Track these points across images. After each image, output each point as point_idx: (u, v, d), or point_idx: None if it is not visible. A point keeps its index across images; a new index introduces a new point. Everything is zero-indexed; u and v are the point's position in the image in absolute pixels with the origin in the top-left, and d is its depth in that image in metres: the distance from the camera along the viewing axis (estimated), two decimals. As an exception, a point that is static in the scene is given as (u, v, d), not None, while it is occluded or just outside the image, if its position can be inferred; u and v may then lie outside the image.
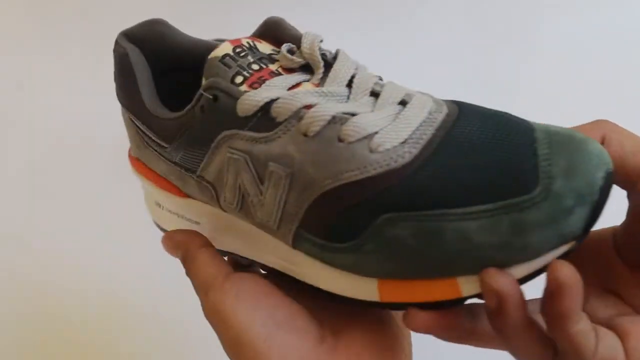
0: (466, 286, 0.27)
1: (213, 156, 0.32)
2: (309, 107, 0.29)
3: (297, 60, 0.31)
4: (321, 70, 0.31)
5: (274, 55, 0.33)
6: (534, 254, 0.26)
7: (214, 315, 0.31)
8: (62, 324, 0.51)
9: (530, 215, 0.25)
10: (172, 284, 0.47)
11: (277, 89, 0.30)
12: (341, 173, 0.28)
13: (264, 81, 0.31)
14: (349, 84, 0.30)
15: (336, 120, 0.28)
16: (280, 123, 0.29)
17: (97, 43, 0.65)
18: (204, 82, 0.32)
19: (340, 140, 0.28)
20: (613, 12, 0.80)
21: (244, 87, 0.31)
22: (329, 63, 0.31)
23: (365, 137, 0.28)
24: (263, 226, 0.32)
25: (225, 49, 0.32)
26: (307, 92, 0.29)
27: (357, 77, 0.31)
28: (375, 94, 0.30)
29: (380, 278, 0.29)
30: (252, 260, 0.36)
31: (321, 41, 0.32)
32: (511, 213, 0.25)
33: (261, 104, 0.29)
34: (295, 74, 0.31)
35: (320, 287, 0.31)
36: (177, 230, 0.36)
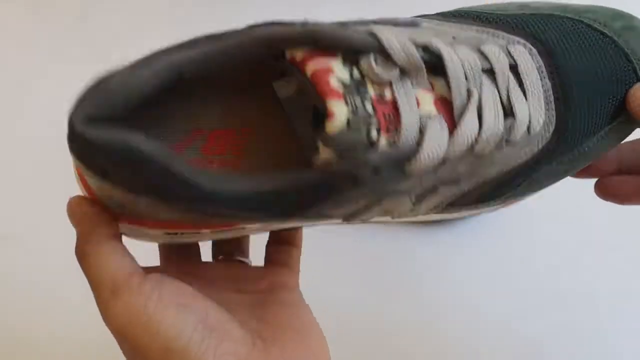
0: None
1: (355, 202, 0.28)
2: (478, 130, 0.28)
3: (391, 72, 0.27)
4: (424, 72, 0.27)
5: (354, 73, 0.27)
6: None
7: (129, 323, 0.26)
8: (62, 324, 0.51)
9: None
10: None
11: (433, 130, 0.27)
12: (509, 163, 0.31)
13: (392, 119, 0.26)
14: (466, 77, 0.28)
15: (505, 132, 0.29)
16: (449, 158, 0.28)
17: (97, 43, 0.65)
18: (329, 153, 0.26)
19: (509, 142, 0.29)
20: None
21: (384, 139, 0.26)
22: (426, 61, 0.27)
23: (526, 130, 0.29)
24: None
25: (340, 110, 0.25)
26: (467, 123, 0.27)
27: (465, 63, 0.28)
28: (486, 71, 0.29)
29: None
30: None
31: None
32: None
33: (442, 154, 0.27)
34: (397, 87, 0.27)
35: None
36: (91, 201, 0.29)
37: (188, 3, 0.72)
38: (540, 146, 0.31)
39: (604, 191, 0.38)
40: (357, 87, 0.26)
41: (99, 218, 0.28)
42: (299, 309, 0.32)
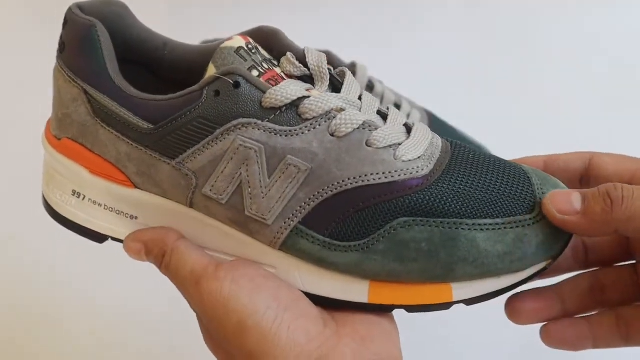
0: (458, 292, 0.31)
1: (213, 143, 0.31)
2: (338, 110, 0.31)
3: (303, 68, 0.33)
4: (327, 83, 0.33)
5: (273, 61, 0.34)
6: (526, 266, 0.31)
7: (211, 305, 0.30)
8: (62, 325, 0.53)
9: (531, 231, 0.30)
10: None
11: (298, 87, 0.31)
12: (366, 175, 0.30)
13: (276, 80, 0.31)
14: (359, 98, 0.33)
15: (365, 126, 0.31)
16: (306, 120, 0.30)
17: None
18: (212, 68, 0.31)
19: (368, 145, 0.30)
20: (614, 13, 0.84)
21: (260, 79, 0.31)
22: (333, 77, 0.33)
23: (390, 146, 0.31)
24: (245, 223, 0.32)
25: (238, 41, 0.32)
26: (336, 96, 0.31)
27: (365, 96, 0.33)
28: (381, 114, 0.33)
29: (374, 280, 0.31)
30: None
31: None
32: (516, 228, 0.30)
33: (293, 98, 0.30)
34: (296, 81, 0.33)
35: (305, 291, 0.32)
36: (142, 230, 0.34)
37: (187, 5, 0.74)
38: (404, 176, 0.30)
39: (550, 339, 0.34)
40: (266, 58, 0.33)
41: (160, 232, 0.34)
42: None
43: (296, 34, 0.74)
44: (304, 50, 0.34)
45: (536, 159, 0.35)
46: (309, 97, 0.31)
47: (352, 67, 0.55)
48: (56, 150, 0.36)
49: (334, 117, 0.30)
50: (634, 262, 0.35)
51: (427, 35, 0.82)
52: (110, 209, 0.35)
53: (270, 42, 0.35)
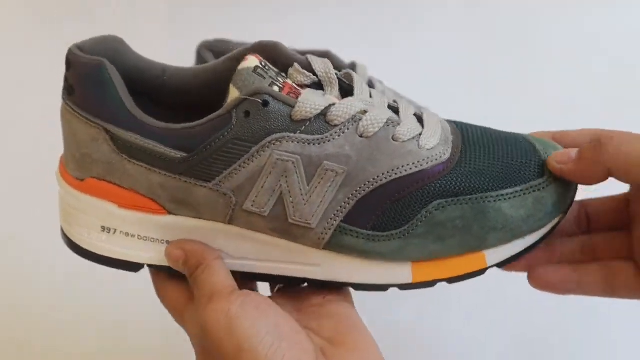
0: (491, 257, 0.34)
1: (249, 161, 0.32)
2: (362, 112, 0.33)
3: (312, 77, 0.35)
4: (336, 87, 0.35)
5: (282, 73, 0.35)
6: (545, 223, 0.34)
7: (216, 323, 0.32)
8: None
9: (546, 192, 0.34)
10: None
11: (322, 98, 0.33)
12: (397, 167, 0.33)
13: (295, 92, 0.33)
14: (370, 96, 0.35)
15: (389, 123, 0.33)
16: (335, 126, 0.32)
17: None
18: (234, 91, 0.33)
19: (395, 140, 0.33)
20: (614, 13, 0.84)
21: (283, 93, 0.33)
22: (341, 80, 0.35)
23: (414, 137, 0.33)
24: (288, 231, 0.34)
25: (253, 61, 0.33)
26: (356, 99, 0.33)
27: (373, 93, 0.35)
28: (392, 108, 0.35)
29: (417, 261, 0.34)
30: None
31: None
32: (533, 192, 0.34)
33: (322, 108, 0.32)
34: (310, 89, 0.35)
35: (352, 282, 0.34)
36: (186, 240, 0.36)
37: (187, 5, 0.75)
38: (431, 163, 0.33)
39: (536, 282, 0.37)
40: (277, 72, 0.35)
41: (202, 246, 0.36)
42: (353, 318, 0.35)
43: (296, 34, 0.71)
44: (307, 59, 0.36)
45: (544, 134, 0.39)
46: (334, 104, 0.33)
47: (352, 67, 0.56)
48: (79, 190, 0.36)
49: (359, 120, 0.33)
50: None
51: (427, 35, 0.82)
52: (145, 238, 0.36)
53: (272, 55, 0.36)
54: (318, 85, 0.35)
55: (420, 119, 0.36)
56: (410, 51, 0.80)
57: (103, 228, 0.37)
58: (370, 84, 0.54)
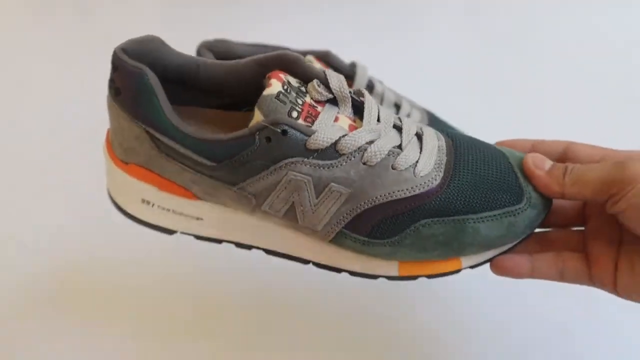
0: (466, 262, 0.41)
1: (268, 176, 0.38)
2: (369, 143, 0.38)
3: (327, 95, 0.39)
4: (349, 104, 0.39)
5: (302, 88, 0.40)
6: (517, 239, 0.41)
7: None
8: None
9: (519, 218, 0.39)
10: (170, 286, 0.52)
11: (336, 127, 0.38)
12: (394, 191, 0.38)
13: (312, 116, 0.38)
14: (378, 119, 0.39)
15: (390, 154, 0.38)
16: (343, 154, 0.38)
17: (97, 43, 0.66)
18: (259, 115, 0.38)
19: (394, 168, 0.38)
20: (614, 13, 0.87)
21: (300, 121, 0.37)
22: (353, 98, 0.40)
23: (410, 166, 0.39)
24: (299, 228, 0.40)
25: (276, 87, 0.38)
26: (363, 131, 0.38)
27: (381, 113, 0.40)
28: (397, 127, 0.40)
29: (403, 261, 0.41)
30: (250, 245, 0.44)
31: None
32: (509, 217, 0.39)
33: (334, 140, 0.37)
34: (327, 105, 0.39)
35: (346, 268, 0.41)
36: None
37: (186, 4, 0.76)
38: (423, 189, 0.39)
39: (496, 267, 0.43)
40: (297, 91, 0.39)
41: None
42: None
43: (296, 34, 0.74)
44: (324, 74, 0.40)
45: (525, 142, 0.44)
46: (344, 135, 0.38)
47: (352, 67, 0.58)
48: (125, 172, 0.43)
49: (365, 150, 0.38)
50: (582, 228, 0.45)
51: (427, 35, 0.82)
52: (179, 213, 0.43)
53: (293, 68, 0.40)
54: (334, 101, 0.40)
55: (420, 137, 0.40)
56: (410, 51, 0.80)
57: (143, 200, 0.44)
58: (370, 84, 0.56)
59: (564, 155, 0.44)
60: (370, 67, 0.59)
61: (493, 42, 0.82)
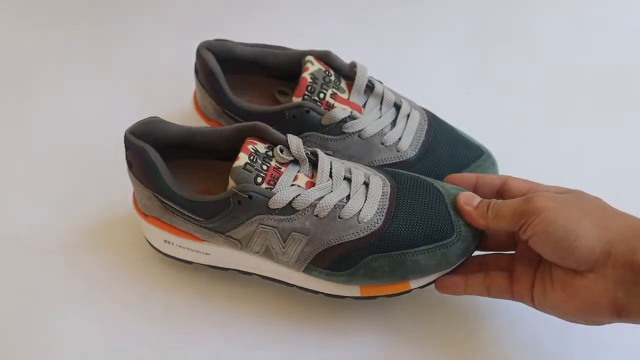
0: (414, 284, 0.50)
1: (245, 227, 0.49)
2: (318, 199, 0.47)
3: (288, 158, 0.48)
4: (307, 164, 0.49)
5: (268, 153, 0.49)
6: (452, 266, 0.49)
7: None
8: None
9: (451, 249, 0.48)
10: (169, 287, 0.57)
11: (291, 189, 0.47)
12: (343, 236, 0.48)
13: (275, 178, 0.47)
14: (330, 175, 0.49)
15: (336, 207, 0.48)
16: (298, 210, 0.47)
17: (97, 44, 0.71)
18: (232, 182, 0.48)
19: (340, 217, 0.48)
20: (613, 12, 0.86)
21: (264, 185, 0.47)
22: (310, 158, 0.49)
23: (355, 215, 0.48)
24: (278, 262, 0.50)
25: (243, 159, 0.48)
26: (313, 190, 0.48)
27: (333, 168, 0.49)
28: (347, 179, 0.49)
29: (362, 285, 0.50)
30: (252, 273, 0.54)
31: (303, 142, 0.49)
32: (443, 249, 0.48)
33: (288, 200, 0.47)
34: (289, 166, 0.49)
35: (320, 291, 0.51)
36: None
37: (188, 7, 0.76)
38: (366, 233, 0.48)
39: (439, 286, 0.51)
40: (264, 157, 0.49)
41: None
42: None
43: (296, 34, 0.78)
44: (286, 139, 0.49)
45: (470, 176, 0.52)
46: (298, 195, 0.47)
47: (352, 67, 0.59)
48: (147, 222, 0.54)
49: (315, 205, 0.48)
50: (513, 252, 0.51)
51: (428, 35, 0.83)
52: (193, 250, 0.55)
53: (264, 135, 0.50)
54: (295, 162, 0.49)
55: (366, 184, 0.49)
56: (410, 51, 0.80)
57: (165, 241, 0.55)
58: (370, 84, 0.59)
59: (501, 188, 0.51)
60: (370, 67, 0.60)
61: (493, 42, 0.82)
